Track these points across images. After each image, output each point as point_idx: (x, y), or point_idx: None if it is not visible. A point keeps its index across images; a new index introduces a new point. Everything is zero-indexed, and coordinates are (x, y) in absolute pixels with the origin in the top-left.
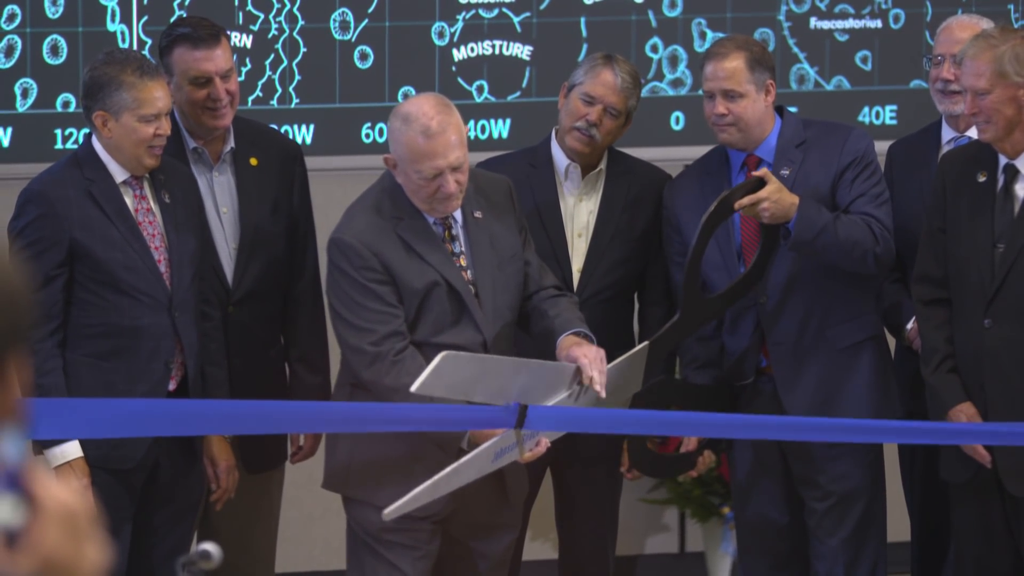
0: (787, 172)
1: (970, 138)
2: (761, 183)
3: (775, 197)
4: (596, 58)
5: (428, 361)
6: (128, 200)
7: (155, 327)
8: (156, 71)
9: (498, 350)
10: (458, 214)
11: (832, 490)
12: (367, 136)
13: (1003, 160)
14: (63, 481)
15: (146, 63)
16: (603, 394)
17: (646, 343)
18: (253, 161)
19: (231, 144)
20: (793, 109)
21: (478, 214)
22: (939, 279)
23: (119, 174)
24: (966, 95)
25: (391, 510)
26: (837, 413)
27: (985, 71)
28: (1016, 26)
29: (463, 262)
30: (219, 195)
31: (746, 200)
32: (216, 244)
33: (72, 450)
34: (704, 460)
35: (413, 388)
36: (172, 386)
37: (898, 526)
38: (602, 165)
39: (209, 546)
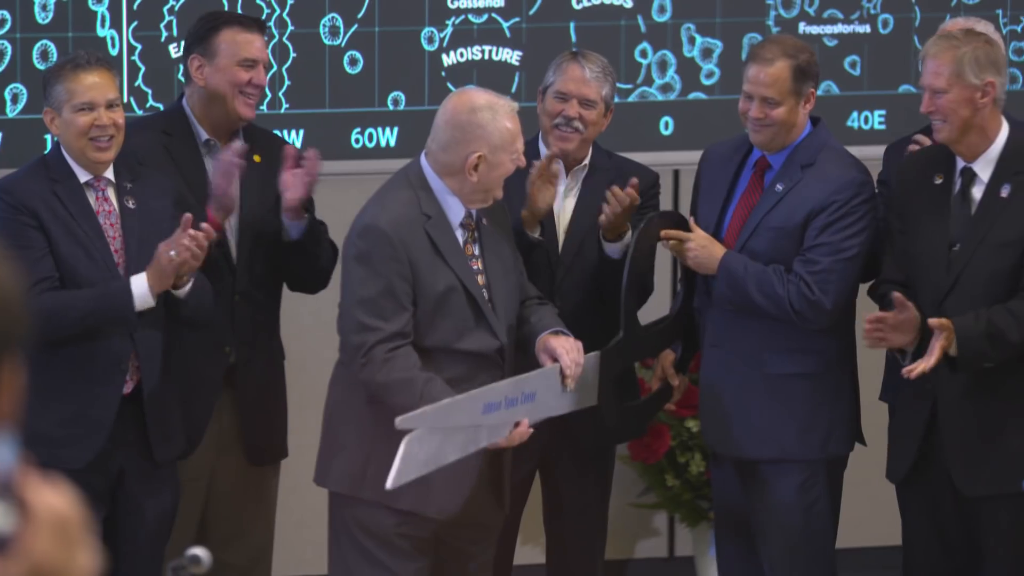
0: (780, 188)
1: None
2: (684, 221)
3: (702, 243)
4: (563, 56)
5: (441, 369)
6: (91, 202)
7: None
8: (94, 64)
9: (510, 355)
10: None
11: (761, 500)
12: (356, 141)
13: (960, 163)
14: (54, 487)
15: (82, 57)
16: (571, 386)
17: (598, 352)
18: (256, 158)
19: (240, 141)
20: None
21: (485, 221)
22: (900, 283)
23: (82, 175)
24: (924, 93)
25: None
26: (745, 429)
27: (944, 71)
28: (1004, 31)
29: (480, 265)
30: (212, 188)
31: (673, 233)
32: (226, 234)
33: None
34: (679, 387)
35: (389, 485)
36: (128, 389)
37: (890, 529)
38: (586, 161)
39: (199, 551)
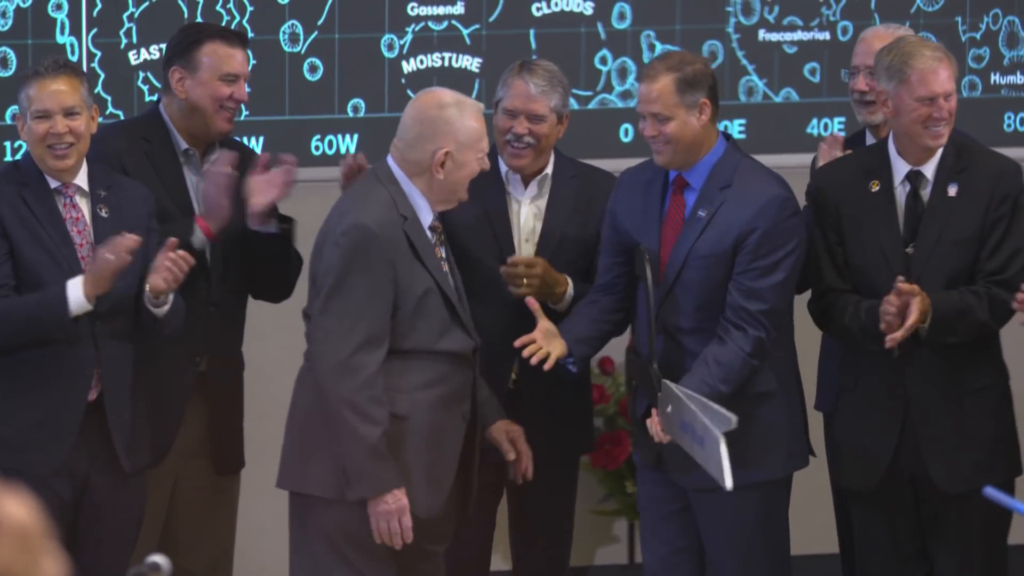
0: (703, 214)
1: None
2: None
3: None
4: (511, 70)
5: (422, 371)
6: (59, 208)
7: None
8: (56, 71)
9: (480, 356)
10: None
11: (720, 524)
12: (316, 148)
13: (902, 168)
14: (16, 497)
15: (48, 64)
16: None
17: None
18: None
19: (217, 154)
20: (742, 121)
21: (439, 225)
22: (847, 291)
23: (52, 181)
24: (935, 102)
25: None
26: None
27: (953, 73)
28: (964, 38)
29: (447, 268)
30: (202, 200)
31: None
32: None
33: None
34: None
35: (729, 486)
36: (93, 396)
37: (828, 537)
38: (548, 169)
39: (159, 558)
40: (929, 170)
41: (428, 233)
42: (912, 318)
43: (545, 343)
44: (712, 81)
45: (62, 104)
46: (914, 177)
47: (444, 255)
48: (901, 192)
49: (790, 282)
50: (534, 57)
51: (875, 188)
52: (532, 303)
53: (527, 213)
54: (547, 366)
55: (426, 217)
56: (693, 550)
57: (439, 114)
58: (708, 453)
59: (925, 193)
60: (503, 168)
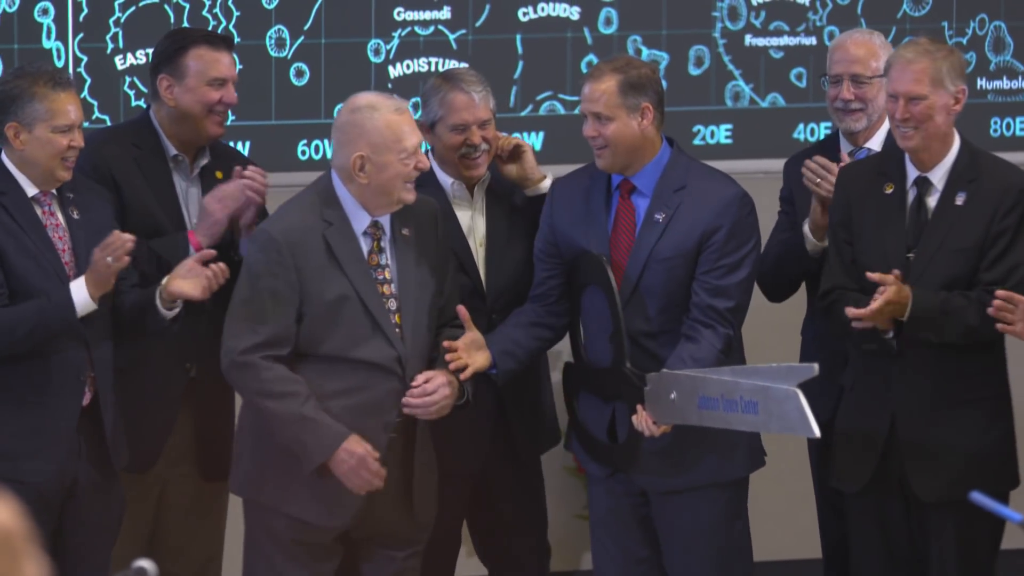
0: (661, 217)
1: (869, 150)
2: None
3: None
4: (440, 87)
5: (337, 378)
6: (38, 215)
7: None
8: (69, 84)
9: (413, 367)
10: (388, 227)
11: (683, 528)
12: (303, 153)
13: (913, 172)
14: None
15: (59, 75)
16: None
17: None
18: (219, 174)
19: (207, 159)
20: (728, 126)
21: (406, 231)
22: (853, 289)
23: (29, 189)
24: (897, 101)
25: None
26: (671, 460)
27: (924, 77)
28: (950, 44)
29: (387, 275)
30: (191, 206)
31: None
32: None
33: None
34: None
35: (818, 433)
36: (86, 401)
37: (812, 543)
38: (487, 175)
39: (145, 563)
40: (937, 177)
41: (362, 239)
42: (878, 302)
43: (467, 355)
44: (658, 88)
45: (80, 118)
46: (921, 183)
47: (385, 262)
48: (911, 197)
49: (752, 279)
50: (520, 63)
51: (889, 191)
52: (462, 311)
53: (477, 219)
54: (463, 376)
55: (360, 223)
56: (654, 562)
57: (349, 118)
58: (770, 415)
59: (930, 200)
60: (445, 182)
